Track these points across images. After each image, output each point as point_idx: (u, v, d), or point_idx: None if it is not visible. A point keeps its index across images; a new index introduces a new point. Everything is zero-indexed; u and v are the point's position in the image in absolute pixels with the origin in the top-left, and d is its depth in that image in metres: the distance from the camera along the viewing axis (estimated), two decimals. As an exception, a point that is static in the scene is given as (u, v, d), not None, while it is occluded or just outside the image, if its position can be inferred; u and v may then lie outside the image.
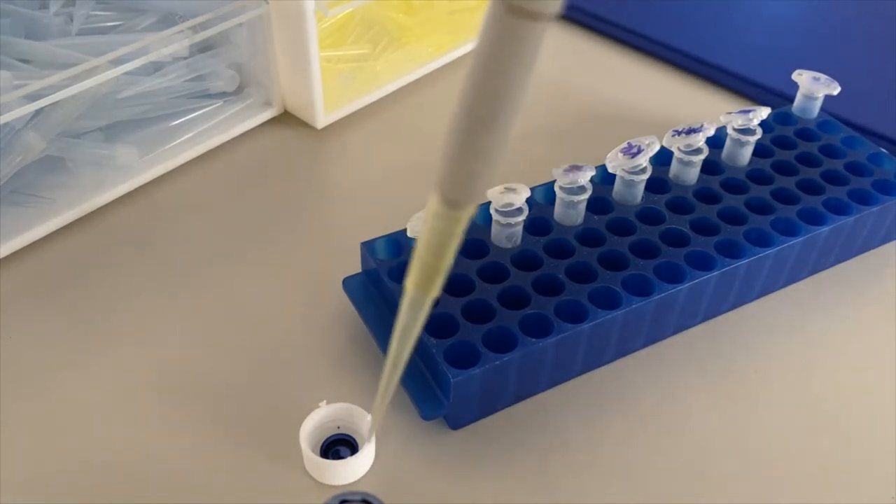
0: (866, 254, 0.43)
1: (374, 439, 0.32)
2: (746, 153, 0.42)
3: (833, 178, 0.42)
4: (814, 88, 0.45)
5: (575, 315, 0.34)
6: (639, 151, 0.38)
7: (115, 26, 0.44)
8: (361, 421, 0.33)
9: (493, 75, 0.18)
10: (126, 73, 0.42)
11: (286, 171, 0.48)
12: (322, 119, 0.50)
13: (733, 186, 0.41)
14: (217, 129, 0.48)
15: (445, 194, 0.20)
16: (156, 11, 0.45)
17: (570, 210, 0.38)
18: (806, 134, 0.45)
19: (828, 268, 0.42)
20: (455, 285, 0.35)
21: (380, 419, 0.28)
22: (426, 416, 0.33)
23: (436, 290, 0.22)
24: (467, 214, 0.20)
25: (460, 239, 0.21)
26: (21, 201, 0.42)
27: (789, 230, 0.39)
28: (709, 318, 0.39)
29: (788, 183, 0.41)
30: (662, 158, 0.41)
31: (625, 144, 0.39)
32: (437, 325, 0.34)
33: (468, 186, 0.20)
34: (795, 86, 0.46)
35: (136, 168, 0.45)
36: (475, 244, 0.37)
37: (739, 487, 0.33)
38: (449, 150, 0.19)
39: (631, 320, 0.35)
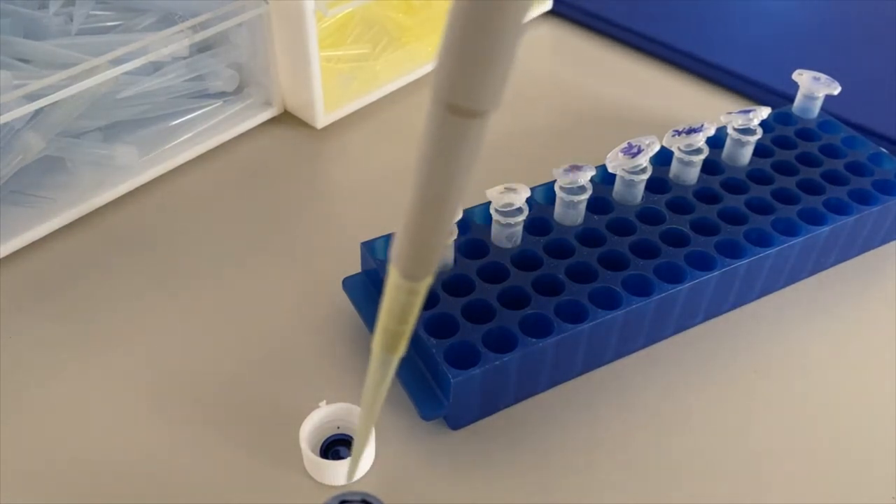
0: (866, 254, 0.43)
1: (373, 440, 0.32)
2: (747, 153, 0.42)
3: (833, 178, 0.42)
4: (814, 88, 0.45)
5: (575, 315, 0.34)
6: (639, 151, 0.38)
7: (114, 26, 0.44)
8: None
9: (439, 170, 0.19)
10: (126, 73, 0.42)
11: (286, 171, 0.48)
12: (322, 119, 0.50)
13: (733, 186, 0.41)
14: (217, 129, 0.48)
15: (404, 270, 0.22)
16: (156, 11, 0.45)
17: (570, 210, 0.38)
18: (806, 134, 0.45)
19: (828, 268, 0.42)
20: (455, 285, 0.35)
21: (357, 462, 0.28)
22: (426, 417, 0.33)
23: (402, 350, 0.24)
24: (424, 285, 0.22)
25: (420, 306, 0.23)
26: (21, 201, 0.42)
27: (789, 230, 0.39)
28: (709, 318, 0.39)
29: (789, 183, 0.41)
30: (662, 158, 0.41)
31: (625, 144, 0.39)
32: (437, 325, 0.34)
33: (424, 262, 0.22)
34: (795, 86, 0.46)
35: (135, 168, 0.45)
36: (475, 244, 0.37)
37: (739, 487, 0.33)
38: (404, 232, 0.21)
39: (631, 320, 0.35)
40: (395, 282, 0.22)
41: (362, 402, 0.25)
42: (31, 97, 0.38)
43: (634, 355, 0.38)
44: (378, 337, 0.24)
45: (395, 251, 0.22)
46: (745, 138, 0.42)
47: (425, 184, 0.20)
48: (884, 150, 0.44)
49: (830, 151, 0.43)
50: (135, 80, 0.44)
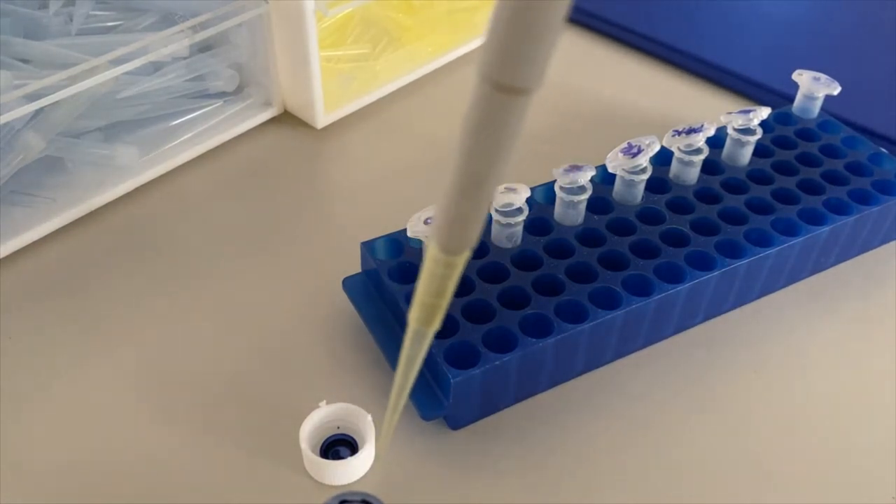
0: (866, 254, 0.43)
1: (373, 439, 0.32)
2: (747, 153, 0.42)
3: (833, 178, 0.42)
4: (814, 88, 0.45)
5: (575, 315, 0.34)
6: (639, 151, 0.38)
7: (114, 26, 0.44)
8: (361, 421, 0.33)
9: (483, 144, 0.20)
10: (126, 73, 0.42)
11: (286, 171, 0.48)
12: (322, 119, 0.50)
13: (733, 186, 0.41)
14: (217, 129, 0.48)
15: (443, 244, 0.22)
16: (156, 11, 0.45)
17: (570, 210, 0.38)
18: (806, 134, 0.45)
19: (828, 268, 0.42)
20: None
21: (388, 443, 0.28)
22: (426, 417, 0.33)
23: (437, 324, 0.24)
24: (462, 259, 0.23)
25: (457, 280, 0.23)
26: (21, 201, 0.42)
27: (789, 230, 0.39)
28: (709, 318, 0.39)
29: (789, 183, 0.41)
30: (662, 158, 0.41)
31: (625, 144, 0.39)
32: (437, 325, 0.34)
33: (463, 236, 0.22)
34: (795, 86, 0.46)
35: (135, 168, 0.45)
36: (475, 244, 0.37)
37: (739, 487, 0.33)
38: (444, 206, 0.21)
39: (631, 320, 0.35)
40: (434, 255, 0.23)
41: (396, 375, 0.26)
42: (31, 97, 0.38)
43: (634, 355, 0.38)
44: (414, 310, 0.24)
45: (434, 225, 0.22)
46: (745, 138, 0.42)
47: (467, 159, 0.20)
48: (884, 150, 0.44)
49: (830, 151, 0.43)
50: (135, 80, 0.44)
